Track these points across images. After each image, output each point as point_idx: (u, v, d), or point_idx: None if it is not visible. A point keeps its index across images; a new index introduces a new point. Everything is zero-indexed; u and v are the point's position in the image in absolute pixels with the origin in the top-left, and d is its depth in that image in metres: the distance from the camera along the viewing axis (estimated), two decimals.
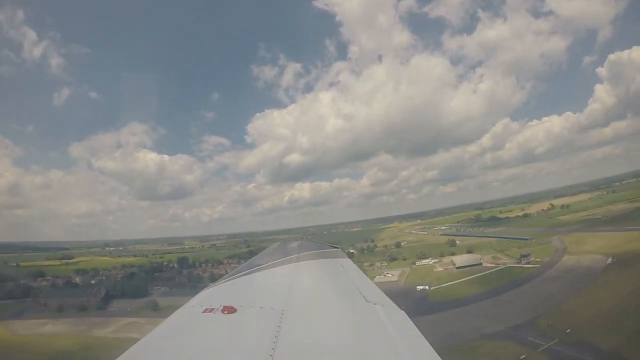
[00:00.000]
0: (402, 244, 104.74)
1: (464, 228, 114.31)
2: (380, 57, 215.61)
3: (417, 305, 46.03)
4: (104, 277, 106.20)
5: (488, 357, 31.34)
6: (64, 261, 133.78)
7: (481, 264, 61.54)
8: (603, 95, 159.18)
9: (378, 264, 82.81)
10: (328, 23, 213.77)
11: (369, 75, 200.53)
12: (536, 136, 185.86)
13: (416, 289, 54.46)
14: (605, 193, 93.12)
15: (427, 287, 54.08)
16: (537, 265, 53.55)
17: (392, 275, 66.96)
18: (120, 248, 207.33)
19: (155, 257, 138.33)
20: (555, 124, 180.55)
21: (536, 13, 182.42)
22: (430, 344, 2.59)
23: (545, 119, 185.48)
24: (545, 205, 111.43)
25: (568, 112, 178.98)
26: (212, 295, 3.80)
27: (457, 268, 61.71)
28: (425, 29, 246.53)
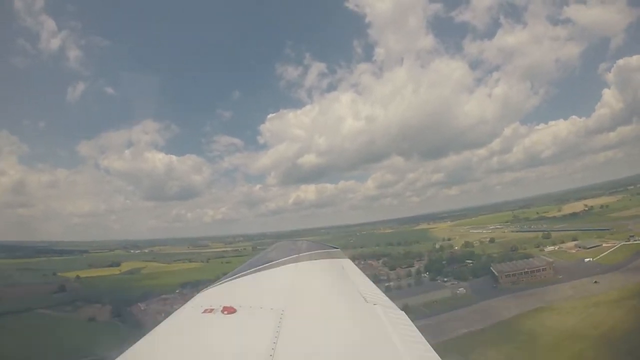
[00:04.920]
0: (495, 240, 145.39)
1: (528, 226, 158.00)
2: (402, 60, 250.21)
3: (606, 267, 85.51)
4: None
5: None
6: (115, 269, 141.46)
7: (601, 245, 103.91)
8: (611, 99, 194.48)
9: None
10: (357, 24, 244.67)
11: (389, 77, 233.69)
12: (543, 140, 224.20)
13: (584, 261, 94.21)
14: (630, 195, 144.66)
15: (591, 259, 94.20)
16: None
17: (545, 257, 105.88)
18: (147, 251, 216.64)
19: (222, 262, 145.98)
20: (561, 127, 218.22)
21: (554, 20, 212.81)
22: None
23: (551, 122, 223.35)
24: (578, 205, 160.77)
25: (573, 116, 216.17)
26: (212, 295, 4.10)
27: (587, 249, 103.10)
28: (449, 33, 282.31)
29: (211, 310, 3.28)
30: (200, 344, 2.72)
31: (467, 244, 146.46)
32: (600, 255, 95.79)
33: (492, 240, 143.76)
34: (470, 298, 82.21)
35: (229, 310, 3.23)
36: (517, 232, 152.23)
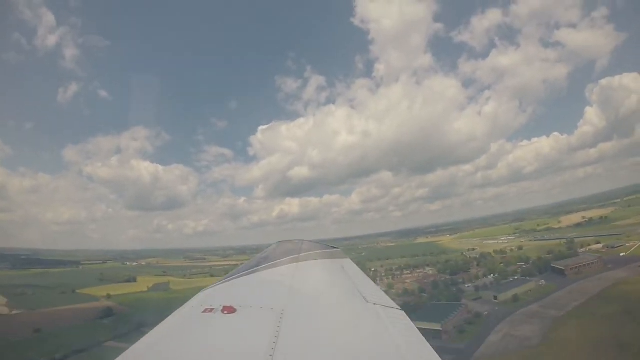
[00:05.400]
0: (523, 248, 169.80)
1: (542, 236, 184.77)
2: (398, 77, 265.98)
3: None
4: None
5: None
6: (135, 284, 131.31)
7: (624, 244, 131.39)
8: (593, 117, 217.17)
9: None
10: (360, 40, 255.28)
11: (385, 93, 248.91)
12: (525, 156, 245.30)
13: (620, 255, 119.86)
14: (621, 208, 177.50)
15: (625, 253, 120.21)
16: None
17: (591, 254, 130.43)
18: (144, 263, 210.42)
19: None
20: (544, 144, 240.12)
21: (545, 43, 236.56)
22: None
23: (534, 139, 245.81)
24: (575, 217, 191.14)
25: (555, 133, 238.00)
26: (212, 295, 4.16)
27: (614, 248, 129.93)
28: (446, 51, 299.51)
29: (211, 310, 3.36)
30: (200, 344, 2.78)
31: (499, 252, 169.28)
32: (631, 251, 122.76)
33: (520, 248, 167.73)
34: (553, 287, 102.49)
35: (229, 310, 3.30)
36: (537, 240, 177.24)
